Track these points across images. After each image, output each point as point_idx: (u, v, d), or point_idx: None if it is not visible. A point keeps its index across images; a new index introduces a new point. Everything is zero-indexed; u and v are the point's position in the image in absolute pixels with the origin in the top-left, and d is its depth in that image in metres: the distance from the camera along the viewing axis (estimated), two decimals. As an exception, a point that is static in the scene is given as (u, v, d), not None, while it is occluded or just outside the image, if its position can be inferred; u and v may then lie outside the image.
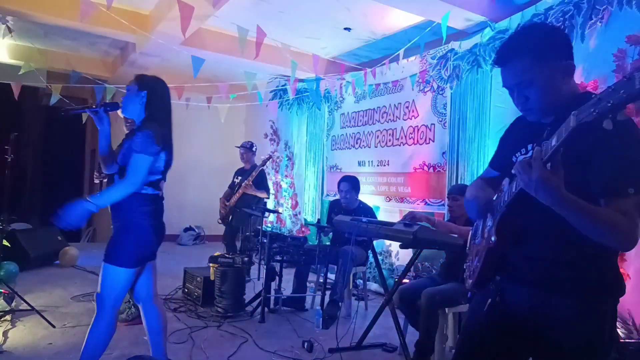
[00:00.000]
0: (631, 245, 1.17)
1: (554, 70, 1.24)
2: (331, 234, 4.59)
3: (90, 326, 2.30)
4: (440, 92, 4.66)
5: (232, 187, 5.41)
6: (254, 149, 5.53)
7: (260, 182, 5.23)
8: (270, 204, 7.16)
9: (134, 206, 2.22)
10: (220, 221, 5.40)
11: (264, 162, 5.26)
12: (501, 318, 1.35)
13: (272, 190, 7.54)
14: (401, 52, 4.59)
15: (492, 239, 1.33)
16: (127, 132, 3.13)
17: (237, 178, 5.42)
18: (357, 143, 5.87)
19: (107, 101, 2.50)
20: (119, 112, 2.44)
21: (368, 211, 4.39)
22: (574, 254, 1.22)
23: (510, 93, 1.33)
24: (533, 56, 1.23)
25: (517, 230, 1.31)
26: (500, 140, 1.58)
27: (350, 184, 4.43)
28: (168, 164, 2.39)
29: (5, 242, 4.47)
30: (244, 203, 5.12)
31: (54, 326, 3.32)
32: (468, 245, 1.58)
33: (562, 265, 1.24)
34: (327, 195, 6.33)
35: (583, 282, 1.22)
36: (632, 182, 1.13)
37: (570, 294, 1.23)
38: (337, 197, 4.66)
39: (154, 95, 2.35)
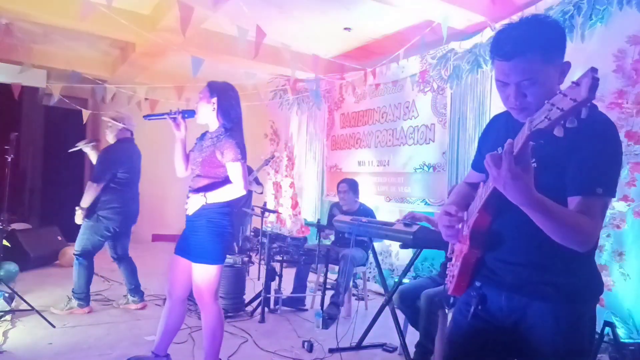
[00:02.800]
0: (588, 247, 1.16)
1: (556, 69, 1.21)
2: (332, 235, 4.59)
3: (203, 326, 2.51)
4: (440, 92, 4.66)
5: None
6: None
7: (256, 178, 5.32)
8: (270, 204, 7.17)
9: (215, 207, 2.42)
10: None
11: (268, 162, 5.29)
12: (483, 325, 1.34)
13: (272, 191, 7.55)
14: (401, 52, 4.58)
15: (467, 244, 1.32)
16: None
17: None
18: (357, 143, 5.87)
19: (183, 109, 2.65)
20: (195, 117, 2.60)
21: (369, 213, 4.39)
22: (550, 257, 1.22)
23: (502, 88, 1.24)
24: (544, 53, 1.17)
25: (492, 235, 1.30)
26: (479, 141, 1.56)
27: (348, 185, 4.47)
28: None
29: (5, 242, 4.46)
30: (237, 203, 5.15)
31: (54, 326, 3.32)
32: (450, 249, 1.57)
33: (538, 269, 1.24)
34: (327, 195, 6.34)
35: (560, 285, 1.22)
36: (602, 182, 1.14)
37: (548, 297, 1.23)
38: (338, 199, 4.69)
39: (225, 102, 2.50)
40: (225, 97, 2.50)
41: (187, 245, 2.47)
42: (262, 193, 5.37)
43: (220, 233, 2.44)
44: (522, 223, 1.16)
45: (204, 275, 2.42)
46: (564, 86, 1.24)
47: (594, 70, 0.86)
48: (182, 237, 2.52)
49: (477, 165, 1.54)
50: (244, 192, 2.44)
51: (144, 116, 2.72)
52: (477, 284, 1.36)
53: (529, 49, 1.16)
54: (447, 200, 1.55)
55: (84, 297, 3.74)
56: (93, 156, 4.00)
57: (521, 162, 1.03)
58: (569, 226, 1.11)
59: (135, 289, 3.95)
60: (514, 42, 1.17)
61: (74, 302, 3.70)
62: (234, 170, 2.40)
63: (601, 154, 1.15)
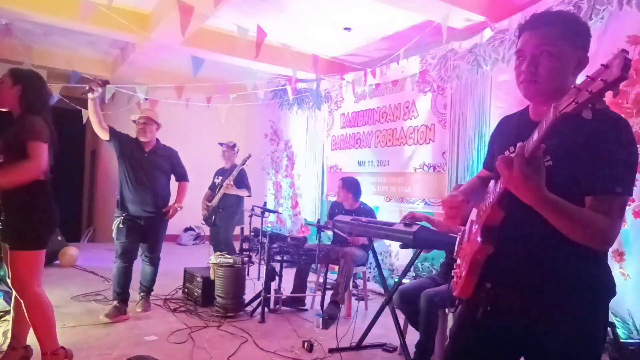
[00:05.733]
0: (607, 245, 1.17)
1: (572, 55, 1.25)
2: (331, 233, 4.59)
3: (29, 319, 2.41)
4: (440, 92, 4.66)
5: (213, 188, 5.35)
6: (236, 148, 5.47)
7: (241, 181, 5.18)
8: (270, 204, 7.16)
9: (26, 196, 2.35)
10: (203, 222, 5.40)
11: (244, 161, 5.24)
12: (493, 326, 1.32)
13: (272, 191, 7.54)
14: (401, 52, 4.59)
15: (478, 240, 1.30)
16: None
17: (217, 178, 5.35)
18: (357, 143, 5.87)
19: None
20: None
21: (369, 212, 4.39)
22: (563, 256, 1.21)
23: (519, 58, 1.29)
24: (566, 30, 1.24)
25: (504, 233, 1.28)
26: (489, 142, 1.58)
27: (343, 182, 4.51)
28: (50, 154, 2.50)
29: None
30: (226, 203, 5.12)
31: (53, 326, 3.32)
32: (455, 250, 1.56)
33: (552, 268, 1.23)
34: (327, 195, 6.34)
35: (577, 283, 1.21)
36: (620, 181, 1.14)
37: (564, 296, 1.22)
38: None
39: (30, 89, 2.45)
40: (30, 84, 2.46)
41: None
42: (249, 196, 5.27)
43: (38, 218, 2.39)
44: (538, 220, 1.15)
45: (21, 262, 2.35)
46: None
47: (624, 51, 0.85)
48: None
49: (488, 165, 1.55)
50: (37, 174, 2.34)
51: None
52: (488, 285, 1.34)
53: (553, 22, 1.26)
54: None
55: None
56: None
57: (533, 164, 1.04)
58: (585, 225, 1.11)
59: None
60: (542, 16, 1.31)
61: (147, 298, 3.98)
62: (32, 148, 2.32)
63: (618, 152, 1.15)
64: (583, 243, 1.14)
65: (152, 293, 4.06)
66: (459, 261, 1.47)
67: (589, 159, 1.15)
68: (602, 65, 0.88)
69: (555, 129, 0.98)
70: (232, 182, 5.05)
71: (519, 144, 1.07)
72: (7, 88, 2.44)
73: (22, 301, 2.39)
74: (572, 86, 0.94)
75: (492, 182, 1.32)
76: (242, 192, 5.16)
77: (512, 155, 1.08)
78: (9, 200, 2.38)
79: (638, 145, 1.18)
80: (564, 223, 1.12)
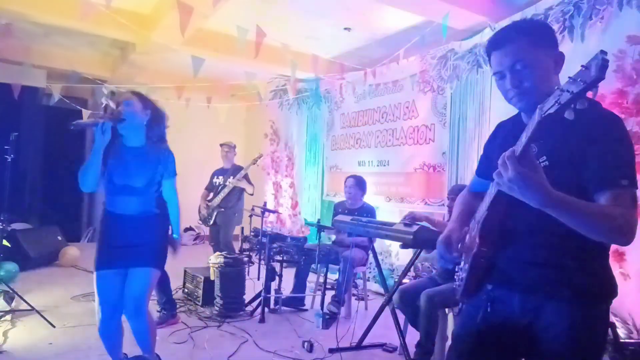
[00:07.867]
0: (629, 238, 1.11)
1: (548, 57, 1.26)
2: (334, 236, 4.60)
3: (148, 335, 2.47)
4: (440, 92, 4.66)
5: (211, 189, 5.36)
6: (235, 149, 5.56)
7: (246, 178, 5.26)
8: (270, 204, 7.17)
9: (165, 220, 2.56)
10: (200, 222, 5.39)
11: (255, 161, 5.26)
12: (494, 327, 1.33)
13: (272, 191, 7.54)
14: (401, 52, 4.59)
15: (476, 242, 1.30)
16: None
17: (217, 178, 5.36)
18: (357, 143, 5.87)
19: (111, 112, 2.37)
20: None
21: (370, 212, 4.39)
22: (564, 257, 1.21)
23: (500, 78, 1.30)
24: (532, 38, 1.25)
25: (503, 234, 1.28)
26: (484, 148, 1.57)
27: (355, 180, 4.49)
28: None
29: (5, 242, 4.47)
30: (227, 202, 5.14)
31: (54, 326, 3.33)
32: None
33: (554, 268, 1.22)
34: (327, 195, 6.33)
35: (577, 284, 1.21)
36: (625, 174, 1.14)
37: (564, 297, 1.21)
38: (342, 199, 4.69)
39: (156, 116, 2.46)
40: (156, 112, 2.47)
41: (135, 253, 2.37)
42: (252, 194, 5.29)
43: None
44: (537, 221, 1.15)
45: (154, 280, 2.44)
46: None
47: (603, 52, 0.88)
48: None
49: (481, 171, 1.53)
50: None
51: (72, 123, 2.22)
52: (489, 286, 1.34)
53: (517, 35, 1.27)
54: (453, 213, 1.54)
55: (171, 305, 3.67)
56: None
57: (526, 163, 1.04)
58: (600, 219, 1.09)
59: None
60: (505, 32, 1.31)
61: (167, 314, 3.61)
62: (175, 183, 2.58)
63: (618, 147, 1.15)
64: (604, 239, 1.13)
65: (163, 305, 3.65)
66: (462, 263, 1.47)
67: (589, 156, 1.15)
68: (582, 66, 0.91)
69: (542, 129, 1.01)
70: (242, 178, 5.10)
71: (510, 149, 1.07)
72: (139, 111, 2.38)
73: (132, 320, 2.38)
74: (556, 87, 0.96)
75: (491, 185, 1.32)
76: (250, 188, 5.21)
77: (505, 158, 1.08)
78: (155, 227, 2.45)
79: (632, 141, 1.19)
80: (580, 220, 1.09)
